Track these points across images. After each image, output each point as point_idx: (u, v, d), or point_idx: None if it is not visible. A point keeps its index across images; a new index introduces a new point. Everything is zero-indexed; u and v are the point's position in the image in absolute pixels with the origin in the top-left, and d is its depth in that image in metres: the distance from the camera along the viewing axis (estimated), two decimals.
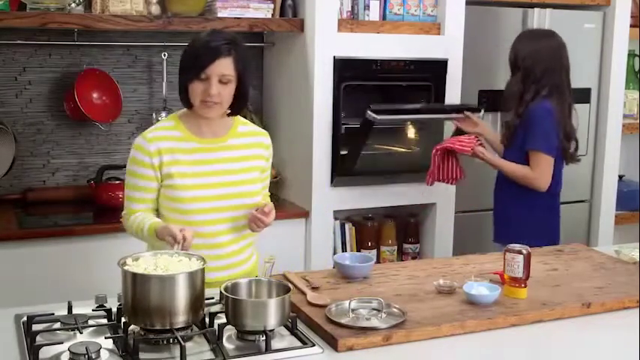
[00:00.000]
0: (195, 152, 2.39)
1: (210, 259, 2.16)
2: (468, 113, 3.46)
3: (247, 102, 2.47)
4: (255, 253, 2.58)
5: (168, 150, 2.36)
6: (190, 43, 2.40)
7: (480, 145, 3.30)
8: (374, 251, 3.81)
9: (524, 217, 3.27)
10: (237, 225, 2.42)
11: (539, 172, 3.20)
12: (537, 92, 3.21)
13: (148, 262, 1.99)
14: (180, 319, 1.89)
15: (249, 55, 2.40)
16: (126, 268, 1.94)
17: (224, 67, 2.30)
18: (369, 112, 3.31)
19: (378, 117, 3.33)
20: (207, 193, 2.36)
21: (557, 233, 3.36)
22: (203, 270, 1.96)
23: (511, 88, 3.31)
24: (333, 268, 2.51)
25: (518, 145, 3.25)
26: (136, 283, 1.90)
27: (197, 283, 1.92)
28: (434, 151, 3.35)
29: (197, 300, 1.93)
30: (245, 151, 2.46)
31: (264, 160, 2.53)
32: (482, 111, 3.55)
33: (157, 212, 2.43)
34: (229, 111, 2.42)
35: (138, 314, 1.89)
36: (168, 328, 1.88)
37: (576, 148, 3.35)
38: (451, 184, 3.45)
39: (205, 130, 2.42)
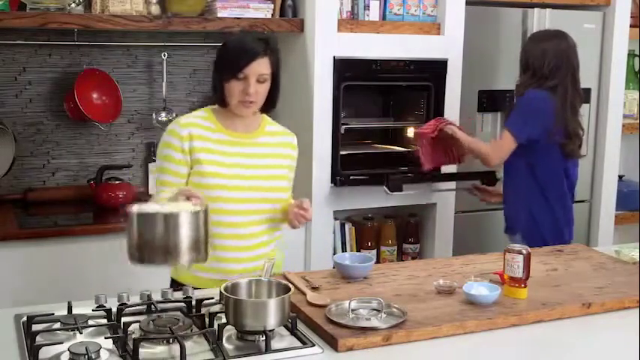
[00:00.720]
0: (224, 144, 2.44)
1: (231, 250, 2.34)
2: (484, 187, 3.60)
3: (278, 100, 2.53)
4: (279, 251, 2.59)
5: (200, 137, 2.41)
6: (224, 43, 2.46)
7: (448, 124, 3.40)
8: (374, 251, 3.81)
9: (533, 212, 3.28)
10: (261, 218, 2.46)
11: (493, 146, 3.29)
12: (539, 86, 3.23)
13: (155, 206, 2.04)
14: (184, 258, 1.95)
15: (280, 54, 2.46)
16: (134, 210, 1.98)
17: (261, 66, 2.37)
18: (385, 187, 3.49)
19: (392, 193, 3.52)
20: (233, 183, 2.39)
21: (565, 231, 3.34)
22: (206, 212, 2.01)
23: (520, 87, 3.33)
24: (333, 268, 2.51)
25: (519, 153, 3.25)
26: (142, 221, 1.95)
27: (199, 223, 1.97)
28: (421, 141, 3.44)
29: (198, 241, 1.97)
30: (273, 149, 2.52)
31: (291, 160, 2.58)
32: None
33: None
34: (263, 109, 2.49)
35: (143, 250, 1.95)
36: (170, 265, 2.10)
37: (579, 146, 3.34)
38: (453, 163, 3.57)
39: (236, 126, 2.47)
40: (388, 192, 3.46)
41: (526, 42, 3.40)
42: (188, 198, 2.16)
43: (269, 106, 2.50)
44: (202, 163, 2.39)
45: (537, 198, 3.27)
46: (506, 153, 3.24)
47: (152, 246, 1.95)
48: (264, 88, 2.41)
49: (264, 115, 2.57)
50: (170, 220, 1.95)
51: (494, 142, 3.35)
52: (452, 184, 3.82)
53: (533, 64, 3.25)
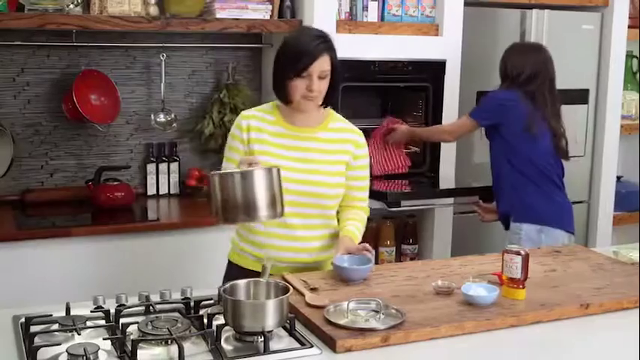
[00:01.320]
0: (281, 137, 2.51)
1: (280, 238, 2.47)
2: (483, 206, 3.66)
3: (339, 94, 2.59)
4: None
5: (257, 128, 2.50)
6: (285, 42, 2.49)
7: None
8: (372, 252, 3.80)
9: (518, 190, 3.44)
10: (312, 212, 2.51)
11: (451, 125, 3.64)
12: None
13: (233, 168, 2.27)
14: (262, 213, 2.14)
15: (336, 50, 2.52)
16: (213, 172, 2.17)
17: (324, 63, 2.43)
18: (384, 204, 3.48)
19: (392, 210, 3.55)
20: (285, 175, 2.38)
21: (554, 217, 3.46)
22: (279, 170, 2.19)
23: None
24: (332, 269, 2.51)
25: (495, 142, 3.48)
26: (221, 182, 2.13)
27: (274, 180, 2.16)
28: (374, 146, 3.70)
29: (274, 197, 2.16)
30: (332, 145, 2.55)
31: (350, 156, 2.57)
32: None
33: None
34: (323, 102, 2.53)
35: (225, 210, 2.12)
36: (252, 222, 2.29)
37: (566, 144, 3.50)
38: (400, 172, 3.79)
39: (297, 120, 2.53)
40: (387, 208, 3.49)
41: (505, 53, 3.51)
42: (250, 165, 2.25)
43: (329, 100, 2.54)
44: (255, 153, 2.47)
45: (517, 177, 3.42)
46: (463, 132, 3.57)
47: (232, 204, 2.13)
48: (325, 83, 2.46)
49: (332, 112, 2.61)
50: (246, 177, 2.13)
51: (452, 124, 3.66)
52: (450, 200, 3.84)
53: (511, 73, 3.42)
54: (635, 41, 4.48)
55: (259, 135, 2.50)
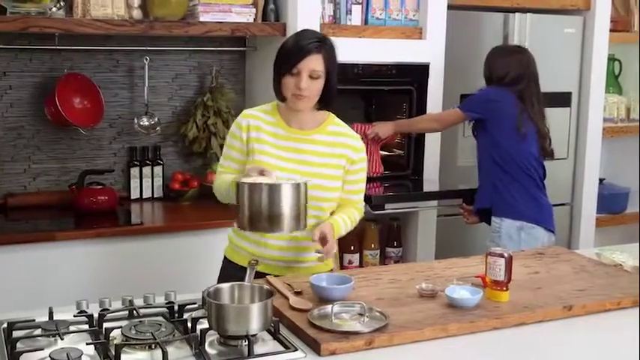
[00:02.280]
0: (279, 138, 2.54)
1: (275, 239, 2.48)
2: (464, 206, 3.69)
3: (335, 97, 2.57)
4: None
5: (256, 128, 2.54)
6: (284, 42, 2.53)
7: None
8: (357, 255, 3.81)
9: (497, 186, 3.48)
10: (308, 214, 2.47)
11: (440, 115, 3.69)
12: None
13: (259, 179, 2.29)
14: (286, 226, 2.25)
15: (337, 54, 2.53)
16: (242, 180, 2.28)
17: (314, 63, 2.45)
18: (367, 207, 3.41)
19: (375, 212, 3.53)
20: (282, 175, 2.42)
21: (534, 214, 3.48)
22: (306, 184, 2.30)
23: None
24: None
25: (481, 138, 3.52)
26: (249, 192, 2.24)
27: (301, 194, 2.27)
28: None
29: (299, 211, 2.26)
30: (329, 148, 2.56)
31: (347, 161, 2.57)
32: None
33: None
34: (319, 105, 2.55)
35: (250, 219, 2.25)
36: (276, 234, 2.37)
37: (549, 144, 3.54)
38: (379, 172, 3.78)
39: (295, 121, 2.56)
40: (371, 211, 3.49)
41: (488, 56, 3.55)
42: (261, 173, 2.32)
43: (325, 103, 2.55)
44: (255, 152, 2.51)
45: (499, 173, 3.45)
46: (450, 121, 3.59)
47: (258, 215, 2.24)
48: (318, 84, 2.47)
49: (332, 115, 2.63)
50: (274, 191, 2.23)
51: (441, 114, 3.71)
52: (434, 203, 3.85)
53: (497, 76, 3.46)
54: (617, 44, 4.52)
55: (258, 134, 2.53)
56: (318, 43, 2.47)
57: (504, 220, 3.44)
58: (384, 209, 3.56)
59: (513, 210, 3.44)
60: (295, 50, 2.45)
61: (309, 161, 2.52)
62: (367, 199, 3.45)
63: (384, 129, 3.69)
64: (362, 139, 3.43)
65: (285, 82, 2.47)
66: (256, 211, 2.24)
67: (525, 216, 3.43)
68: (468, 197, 3.65)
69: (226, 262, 2.65)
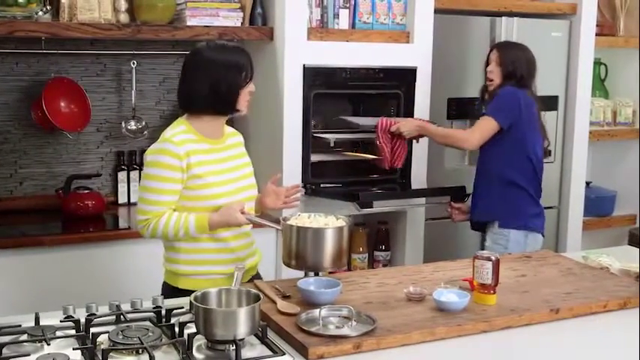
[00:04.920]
0: (210, 152, 2.52)
1: (238, 249, 2.55)
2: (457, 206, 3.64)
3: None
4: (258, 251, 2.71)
5: (194, 151, 2.47)
6: (237, 57, 2.52)
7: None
8: (344, 259, 3.80)
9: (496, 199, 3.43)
10: (249, 207, 2.57)
11: (471, 130, 3.45)
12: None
13: (303, 221, 2.46)
14: (328, 266, 2.39)
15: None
16: (289, 222, 2.43)
17: None
18: (355, 203, 3.46)
19: (363, 210, 3.52)
20: (227, 188, 2.52)
21: (538, 222, 3.48)
22: (347, 227, 2.43)
23: (497, 88, 3.44)
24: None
25: (496, 146, 3.39)
26: (294, 234, 2.40)
27: (344, 236, 2.41)
28: (381, 138, 3.60)
29: (341, 252, 2.40)
30: (238, 149, 2.66)
31: (248, 157, 2.71)
32: (467, 198, 3.63)
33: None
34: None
35: (294, 258, 2.40)
36: (314, 273, 2.43)
37: (548, 144, 3.58)
38: (398, 166, 3.69)
39: (211, 132, 2.55)
40: (359, 209, 3.48)
41: (506, 51, 3.45)
42: (242, 211, 2.43)
43: None
44: (202, 176, 2.46)
45: (513, 179, 3.39)
46: (486, 136, 3.36)
47: (302, 256, 2.38)
48: None
49: None
50: (318, 235, 2.38)
51: (471, 129, 3.46)
52: (422, 201, 3.85)
53: (520, 71, 3.39)
54: (603, 48, 4.54)
55: (197, 157, 2.46)
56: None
57: (511, 231, 3.37)
58: (372, 207, 3.54)
59: (522, 221, 3.39)
60: (249, 61, 2.52)
61: (235, 166, 2.59)
62: (355, 197, 3.45)
63: (408, 127, 3.54)
64: (380, 131, 3.51)
65: (247, 92, 2.52)
66: (300, 252, 2.39)
67: (532, 226, 3.42)
68: (456, 194, 3.63)
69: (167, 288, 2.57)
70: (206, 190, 2.46)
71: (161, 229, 2.43)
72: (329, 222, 2.45)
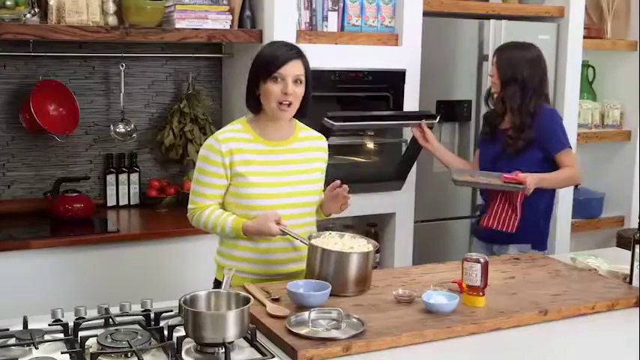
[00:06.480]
0: (263, 153, 2.53)
1: (282, 252, 2.54)
2: (425, 129, 3.49)
3: (311, 106, 2.60)
4: None
5: (239, 150, 2.50)
6: (259, 52, 2.55)
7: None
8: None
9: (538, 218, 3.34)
10: (299, 222, 2.56)
11: (577, 167, 3.30)
12: (537, 102, 3.24)
13: (331, 241, 2.43)
14: (351, 290, 2.35)
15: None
16: (312, 242, 2.41)
17: (297, 68, 2.48)
18: (326, 119, 3.31)
19: (336, 124, 3.32)
20: (273, 190, 2.51)
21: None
22: (373, 252, 2.42)
23: (512, 101, 3.23)
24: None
25: (535, 156, 3.24)
26: (319, 255, 2.37)
27: (369, 261, 2.40)
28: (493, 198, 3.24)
29: (365, 276, 2.39)
30: (307, 154, 2.62)
31: (322, 162, 2.67)
32: (438, 118, 3.58)
33: (223, 208, 2.57)
34: (296, 114, 2.56)
35: (319, 279, 2.32)
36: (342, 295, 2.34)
37: None
38: (509, 230, 3.21)
39: (271, 134, 2.56)
40: (334, 124, 3.28)
41: (504, 54, 3.29)
42: (277, 222, 2.42)
43: (302, 111, 2.57)
44: (244, 175, 2.49)
45: (550, 199, 3.37)
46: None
47: (323, 277, 2.33)
48: (301, 90, 2.50)
49: (297, 121, 2.64)
50: (343, 258, 2.36)
51: (574, 166, 3.28)
52: (412, 198, 3.84)
53: (522, 74, 3.21)
54: (591, 51, 4.56)
55: (242, 156, 2.50)
56: (297, 50, 2.51)
57: (530, 249, 3.26)
58: (344, 122, 3.38)
59: (544, 241, 3.37)
60: (277, 56, 2.46)
61: (293, 170, 2.56)
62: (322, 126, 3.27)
63: (531, 188, 3.13)
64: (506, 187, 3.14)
65: (269, 90, 2.46)
66: (324, 273, 2.35)
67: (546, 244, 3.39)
68: (427, 118, 3.50)
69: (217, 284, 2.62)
70: (247, 189, 2.49)
71: (203, 222, 2.53)
72: (355, 245, 2.42)
